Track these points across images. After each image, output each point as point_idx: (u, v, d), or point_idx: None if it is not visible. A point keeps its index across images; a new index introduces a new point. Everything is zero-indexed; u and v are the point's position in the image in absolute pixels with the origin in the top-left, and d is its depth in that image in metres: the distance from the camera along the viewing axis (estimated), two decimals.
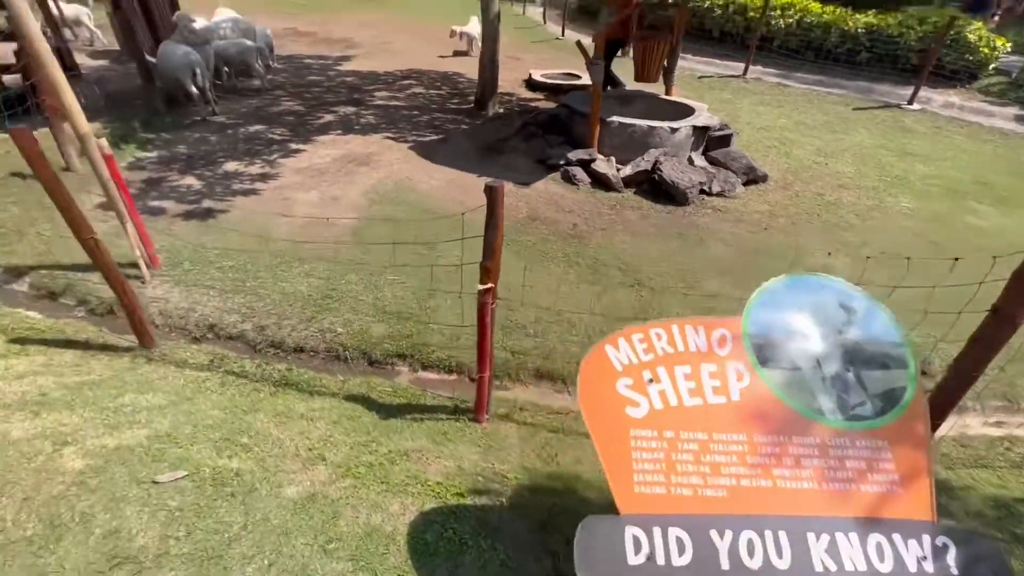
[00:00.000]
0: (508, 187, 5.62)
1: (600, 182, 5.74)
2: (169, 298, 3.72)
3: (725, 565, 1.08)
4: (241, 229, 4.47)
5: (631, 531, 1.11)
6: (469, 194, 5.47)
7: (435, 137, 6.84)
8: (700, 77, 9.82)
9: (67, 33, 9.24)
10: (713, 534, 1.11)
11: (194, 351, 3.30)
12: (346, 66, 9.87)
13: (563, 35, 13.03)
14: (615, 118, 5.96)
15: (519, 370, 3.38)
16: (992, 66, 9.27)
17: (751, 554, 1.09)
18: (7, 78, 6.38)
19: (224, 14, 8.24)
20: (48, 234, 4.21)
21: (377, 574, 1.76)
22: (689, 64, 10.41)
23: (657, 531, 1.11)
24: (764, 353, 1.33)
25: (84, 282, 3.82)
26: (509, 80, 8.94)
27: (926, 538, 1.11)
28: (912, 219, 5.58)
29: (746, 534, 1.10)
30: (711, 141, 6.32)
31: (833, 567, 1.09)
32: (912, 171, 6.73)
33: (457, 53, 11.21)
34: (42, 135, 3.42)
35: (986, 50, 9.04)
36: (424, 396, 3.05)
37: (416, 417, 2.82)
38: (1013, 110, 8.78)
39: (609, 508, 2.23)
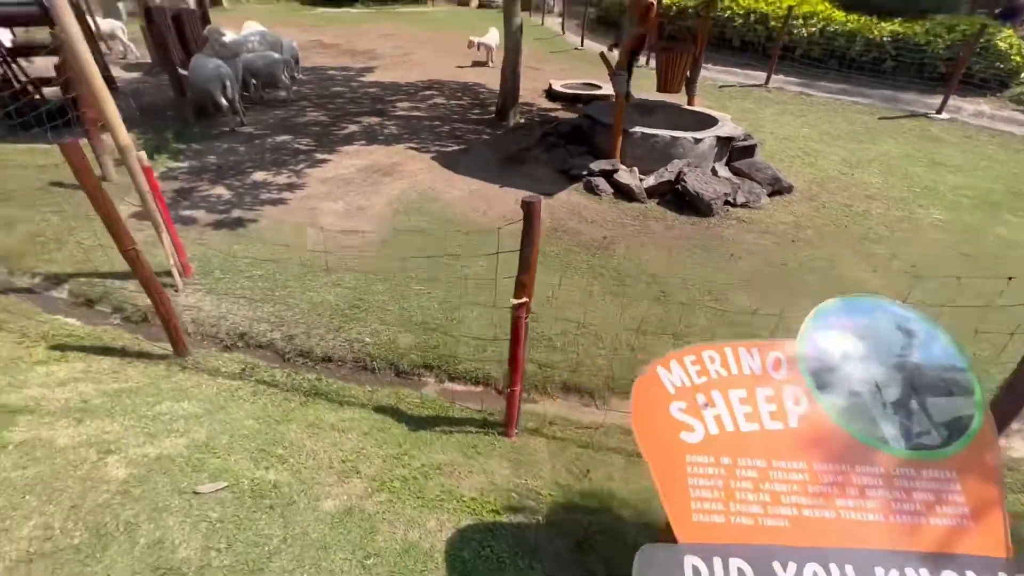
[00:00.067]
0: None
1: (623, 193, 5.72)
2: (201, 306, 3.79)
3: None
4: (270, 239, 4.55)
5: (690, 561, 1.09)
6: (492, 204, 5.51)
7: (457, 147, 6.91)
8: (721, 87, 9.77)
9: (102, 47, 9.57)
10: (776, 566, 1.08)
11: (226, 359, 3.34)
12: (369, 77, 10.05)
13: (582, 45, 13.10)
14: (638, 128, 5.95)
15: (546, 383, 3.36)
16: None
17: None
18: (47, 91, 6.62)
19: (252, 27, 8.47)
20: (86, 243, 4.33)
21: None
22: (710, 74, 10.36)
23: (717, 561, 1.09)
24: (821, 377, 1.30)
25: (120, 290, 3.91)
26: (529, 90, 9.00)
27: None
28: (943, 231, 5.45)
29: (811, 567, 1.07)
30: (735, 151, 6.27)
31: None
32: (942, 181, 6.59)
33: (476, 64, 11.33)
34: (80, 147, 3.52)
35: (1017, 58, 8.85)
36: (452, 408, 3.04)
37: (445, 430, 2.82)
38: None
39: (646, 529, 2.20)
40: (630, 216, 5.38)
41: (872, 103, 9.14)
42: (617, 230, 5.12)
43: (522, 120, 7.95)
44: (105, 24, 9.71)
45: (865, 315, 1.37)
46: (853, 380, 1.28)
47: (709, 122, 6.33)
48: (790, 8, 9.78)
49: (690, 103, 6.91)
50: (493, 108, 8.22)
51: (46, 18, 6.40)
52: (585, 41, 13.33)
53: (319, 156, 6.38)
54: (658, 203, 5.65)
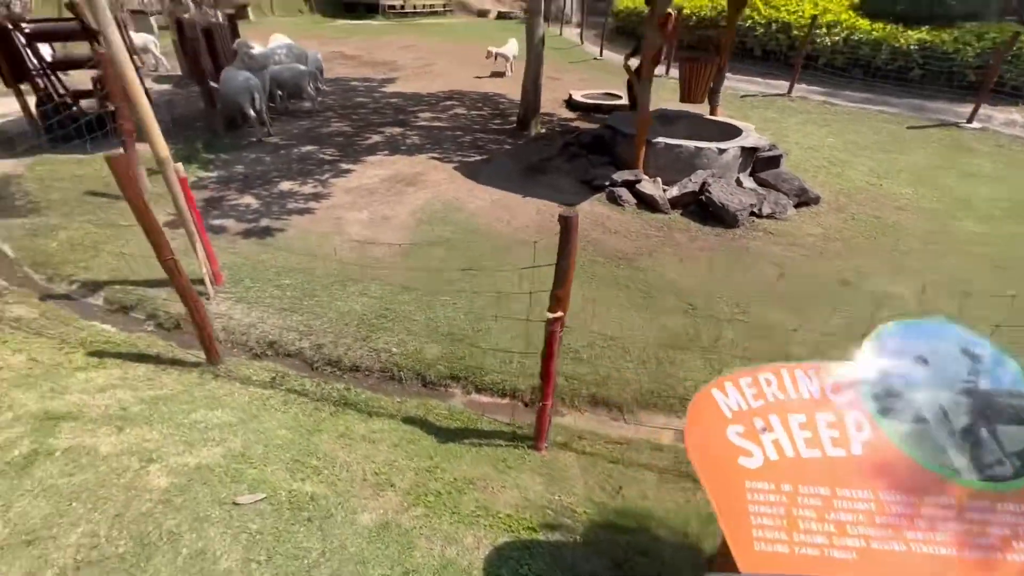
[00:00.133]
0: (553, 208, 5.67)
1: (646, 203, 5.69)
2: (232, 314, 3.85)
3: None
4: (297, 248, 4.62)
5: None
6: (515, 214, 5.52)
7: (478, 157, 6.95)
8: (743, 96, 9.70)
9: (135, 60, 9.88)
10: None
11: (256, 368, 3.39)
12: (390, 88, 10.20)
13: (601, 55, 13.14)
14: (661, 139, 5.92)
15: (573, 396, 3.33)
16: None
17: None
18: (83, 103, 6.85)
19: (279, 40, 8.67)
20: (119, 251, 4.44)
21: None
22: (731, 83, 10.29)
23: None
24: (884, 403, 1.26)
25: (153, 298, 3.99)
26: (548, 100, 9.04)
27: None
28: (979, 244, 5.30)
29: None
30: (759, 162, 6.20)
31: None
32: (975, 193, 6.42)
33: (494, 74, 11.44)
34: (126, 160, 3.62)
35: None
36: (480, 420, 3.03)
37: (474, 442, 2.81)
38: None
39: (685, 551, 2.15)
40: (654, 227, 5.34)
41: (899, 112, 8.98)
42: (641, 241, 5.09)
43: (543, 130, 7.98)
44: (138, 38, 10.02)
45: (927, 338, 1.33)
46: (918, 406, 1.24)
47: (732, 132, 6.28)
48: (814, 17, 9.69)
49: (713, 113, 6.86)
50: (513, 118, 8.27)
51: (85, 33, 6.65)
52: (604, 51, 13.37)
53: (343, 166, 6.48)
54: (682, 214, 5.60)
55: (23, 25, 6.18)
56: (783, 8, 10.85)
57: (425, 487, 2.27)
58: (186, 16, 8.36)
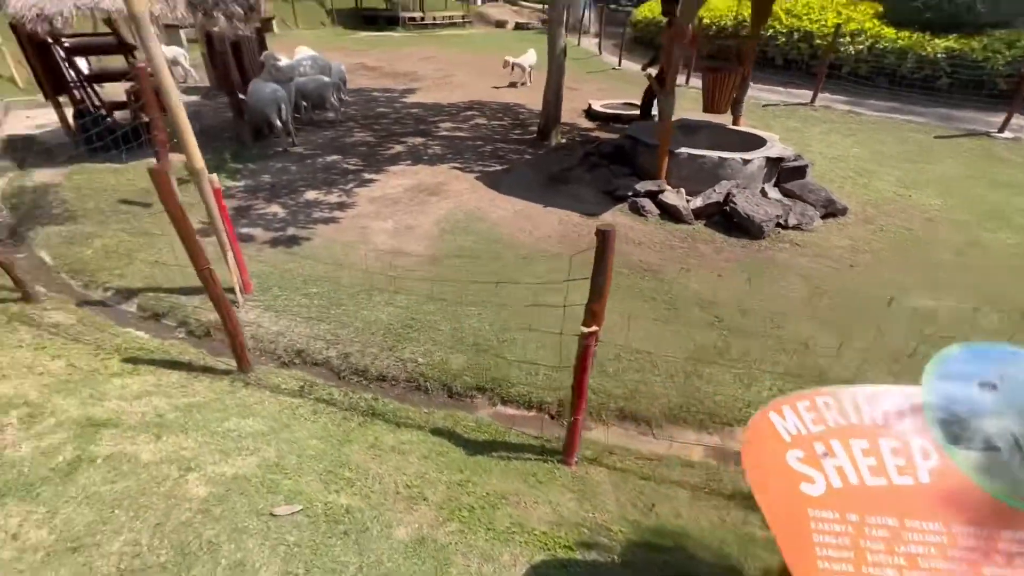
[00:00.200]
0: (575, 218, 5.66)
1: (669, 214, 5.65)
2: (260, 323, 3.90)
3: None
4: (324, 257, 4.68)
5: None
6: (537, 224, 5.52)
7: (500, 167, 6.99)
8: (764, 105, 9.62)
9: None
10: None
11: (285, 376, 3.42)
12: (411, 98, 10.33)
13: (619, 65, 13.16)
14: (684, 149, 5.89)
15: (601, 410, 3.29)
16: None
17: None
18: (117, 115, 7.07)
19: (304, 52, 8.85)
20: (155, 260, 4.54)
21: None
22: (752, 92, 10.20)
23: None
24: (951, 429, 1.22)
25: (185, 305, 4.07)
26: (568, 110, 9.05)
27: None
28: (1013, 256, 5.15)
29: None
30: (784, 172, 6.12)
31: None
32: (1008, 204, 6.25)
33: (512, 84, 11.52)
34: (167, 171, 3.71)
35: None
36: (508, 433, 3.01)
37: (503, 456, 2.78)
38: None
39: (725, 573, 2.10)
40: (678, 238, 5.30)
41: (926, 121, 8.80)
42: (665, 252, 5.05)
43: (563, 140, 8.00)
44: (168, 51, 10.31)
45: (995, 363, 1.28)
46: (988, 434, 1.20)
47: (755, 142, 6.22)
48: (838, 26, 9.59)
49: (735, 123, 6.81)
50: (533, 128, 8.30)
51: (120, 47, 6.87)
52: (623, 61, 13.39)
53: (367, 176, 6.56)
54: (705, 225, 5.55)
55: (63, 39, 6.41)
56: (805, 17, 10.76)
57: (458, 501, 2.26)
58: (215, 29, 8.60)
